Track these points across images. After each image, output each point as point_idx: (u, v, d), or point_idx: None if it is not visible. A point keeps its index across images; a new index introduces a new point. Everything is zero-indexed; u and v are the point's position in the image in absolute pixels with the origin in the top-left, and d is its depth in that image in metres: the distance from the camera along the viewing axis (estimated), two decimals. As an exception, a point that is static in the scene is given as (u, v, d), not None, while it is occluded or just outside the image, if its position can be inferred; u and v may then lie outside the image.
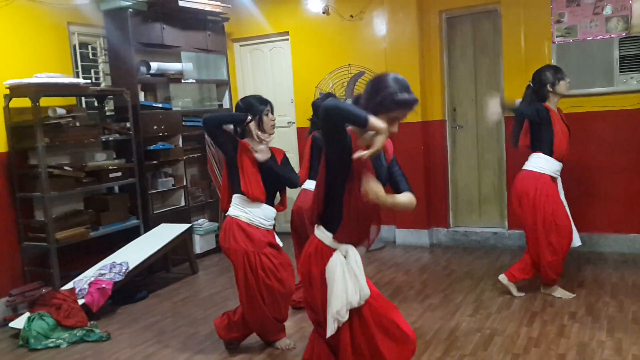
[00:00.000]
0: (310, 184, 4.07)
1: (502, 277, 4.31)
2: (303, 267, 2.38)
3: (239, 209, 3.43)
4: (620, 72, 5.03)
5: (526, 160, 4.23)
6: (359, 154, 2.05)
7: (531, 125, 4.15)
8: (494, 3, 5.54)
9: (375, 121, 2.04)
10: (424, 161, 5.90)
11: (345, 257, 2.28)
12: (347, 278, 2.24)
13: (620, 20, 4.99)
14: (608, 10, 5.03)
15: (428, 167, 5.95)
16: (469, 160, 5.93)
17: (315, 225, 2.37)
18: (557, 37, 5.26)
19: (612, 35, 5.03)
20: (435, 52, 5.84)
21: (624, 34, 4.99)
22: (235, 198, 3.46)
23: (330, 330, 2.26)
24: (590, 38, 5.12)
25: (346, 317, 2.24)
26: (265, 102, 3.43)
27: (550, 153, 4.09)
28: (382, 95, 2.15)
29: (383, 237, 6.26)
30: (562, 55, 5.23)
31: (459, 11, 5.76)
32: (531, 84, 4.23)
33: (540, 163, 4.12)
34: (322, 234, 2.32)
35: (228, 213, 3.48)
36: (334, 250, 2.29)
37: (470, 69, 5.83)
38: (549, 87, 4.11)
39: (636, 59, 4.96)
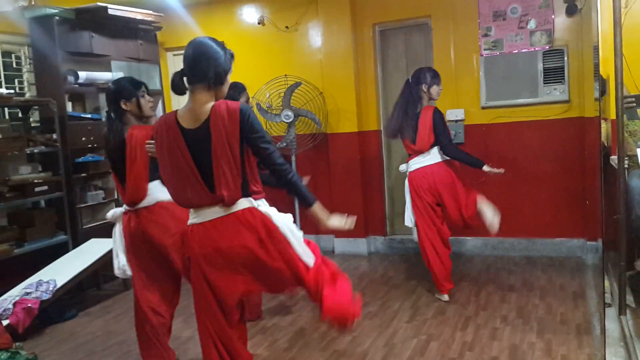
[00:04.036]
0: None
1: (446, 297, 4.40)
2: (253, 236, 2.38)
3: None
4: (544, 83, 5.26)
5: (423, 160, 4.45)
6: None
7: (436, 125, 4.35)
8: (425, 17, 5.70)
9: (319, 209, 2.47)
10: (360, 171, 5.97)
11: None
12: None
13: (543, 34, 5.23)
14: (532, 25, 5.27)
15: (364, 177, 6.02)
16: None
17: (232, 207, 2.39)
18: (484, 50, 5.46)
19: (536, 49, 5.27)
20: (370, 64, 5.94)
21: (547, 47, 5.23)
22: None
23: (310, 256, 2.45)
24: (515, 51, 5.34)
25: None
26: (140, 84, 3.27)
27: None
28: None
29: (322, 247, 6.24)
30: (490, 67, 5.43)
31: (392, 24, 5.89)
32: (409, 80, 4.50)
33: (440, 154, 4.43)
34: (247, 202, 2.40)
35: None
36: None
37: (403, 80, 5.87)
38: (424, 87, 4.39)
39: (559, 71, 5.20)
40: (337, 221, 2.48)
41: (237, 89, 4.12)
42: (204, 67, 2.32)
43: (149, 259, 3.28)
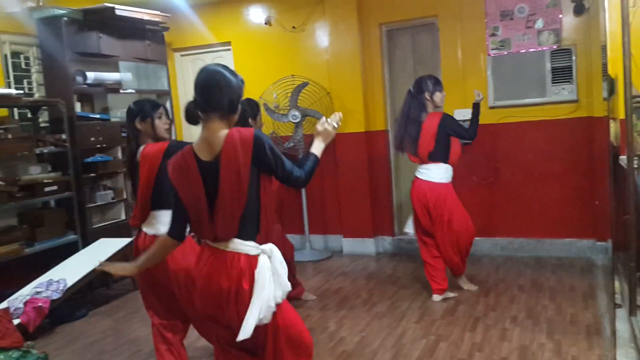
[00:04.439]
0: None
1: (437, 297, 4.44)
2: (227, 285, 2.26)
3: None
4: (552, 83, 5.25)
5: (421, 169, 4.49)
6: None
7: (442, 136, 4.32)
8: (432, 17, 5.69)
9: (319, 148, 2.47)
10: (368, 171, 5.97)
11: (270, 257, 2.31)
12: (272, 280, 2.29)
13: (551, 34, 5.22)
14: (539, 24, 5.25)
15: (372, 177, 6.02)
16: (411, 169, 6.00)
17: (228, 242, 2.29)
18: (492, 49, 5.45)
19: (544, 48, 5.25)
20: (377, 64, 5.94)
21: (555, 47, 5.22)
22: None
23: (247, 333, 2.22)
24: (523, 51, 5.33)
25: (270, 318, 2.27)
26: (158, 106, 3.24)
27: (447, 161, 4.39)
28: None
29: (330, 247, 6.29)
30: (497, 67, 5.42)
31: (399, 24, 5.89)
32: (411, 90, 4.47)
33: (447, 174, 4.41)
34: (243, 246, 2.29)
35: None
36: (257, 257, 2.29)
37: (410, 80, 5.88)
38: (427, 95, 4.36)
39: (567, 70, 5.18)
40: (328, 131, 2.51)
41: (253, 108, 4.13)
42: (218, 97, 2.28)
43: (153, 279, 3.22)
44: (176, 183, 2.34)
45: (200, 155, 2.29)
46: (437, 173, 4.38)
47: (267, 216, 2.34)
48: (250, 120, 4.11)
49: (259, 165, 2.27)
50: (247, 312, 2.24)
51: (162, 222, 3.02)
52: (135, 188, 3.16)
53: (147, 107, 3.19)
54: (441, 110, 4.47)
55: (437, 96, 4.37)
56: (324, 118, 2.53)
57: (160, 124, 3.20)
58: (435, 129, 4.30)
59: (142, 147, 3.11)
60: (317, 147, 2.46)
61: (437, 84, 4.39)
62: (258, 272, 2.26)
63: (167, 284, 3.16)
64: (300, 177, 2.35)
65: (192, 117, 2.35)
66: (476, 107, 4.48)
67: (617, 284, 3.79)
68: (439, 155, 4.35)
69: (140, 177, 3.07)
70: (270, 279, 2.28)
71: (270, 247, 2.34)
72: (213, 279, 2.30)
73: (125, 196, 5.65)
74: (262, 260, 2.29)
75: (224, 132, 2.27)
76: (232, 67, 6.65)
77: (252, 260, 2.28)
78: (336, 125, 2.52)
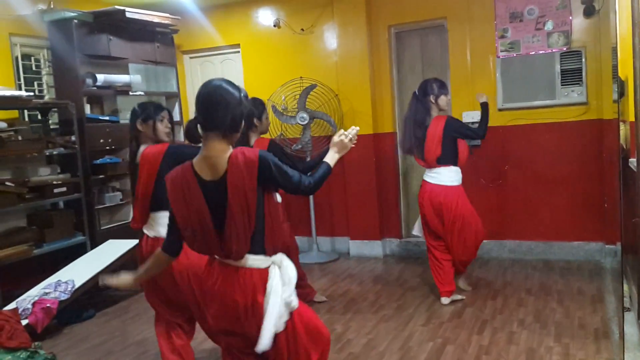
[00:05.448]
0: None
1: (446, 300, 4.42)
2: (243, 300, 2.26)
3: None
4: (561, 85, 5.21)
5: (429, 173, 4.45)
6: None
7: (448, 140, 4.29)
8: (441, 19, 5.68)
9: (333, 159, 2.48)
10: (375, 173, 5.96)
11: (280, 267, 2.30)
12: (284, 287, 2.28)
13: (561, 36, 5.19)
14: (549, 26, 5.22)
15: (380, 179, 6.01)
16: (419, 171, 5.99)
17: (240, 259, 2.26)
18: (501, 51, 5.42)
19: (554, 50, 5.22)
20: (385, 66, 5.93)
21: (565, 49, 5.19)
22: None
23: (265, 344, 2.24)
24: (533, 53, 5.31)
25: (284, 326, 2.28)
26: (161, 109, 3.26)
27: (456, 163, 4.37)
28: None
29: (337, 249, 6.28)
30: (507, 69, 5.40)
31: (407, 26, 5.88)
32: (416, 92, 4.43)
33: (458, 176, 4.39)
34: (254, 261, 2.27)
35: None
36: (268, 269, 2.28)
37: (418, 82, 5.85)
38: (431, 99, 4.32)
39: (577, 72, 5.15)
40: (345, 143, 2.51)
41: (258, 108, 4.14)
42: (220, 115, 2.20)
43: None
44: (174, 200, 2.28)
45: (201, 174, 2.23)
46: (448, 176, 4.34)
47: (273, 227, 2.31)
48: (255, 121, 4.12)
49: (265, 185, 2.23)
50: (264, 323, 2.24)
51: (161, 223, 3.02)
52: (135, 189, 3.16)
53: (150, 109, 3.21)
54: (446, 113, 4.44)
55: (442, 100, 4.34)
56: (342, 130, 2.52)
57: (162, 127, 3.21)
58: (441, 134, 4.26)
59: (141, 149, 3.13)
60: (331, 158, 2.46)
61: (442, 87, 4.36)
62: (270, 285, 2.25)
63: (173, 287, 3.13)
64: (309, 185, 2.32)
65: (192, 135, 2.29)
66: (484, 107, 4.46)
67: (625, 287, 3.75)
68: (447, 158, 4.32)
69: (139, 178, 3.07)
70: (281, 287, 2.27)
71: (280, 257, 2.32)
72: (227, 295, 2.27)
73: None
74: (273, 272, 2.27)
75: (226, 152, 2.21)
76: (240, 70, 6.62)
77: (264, 274, 2.27)
78: (354, 140, 2.52)
